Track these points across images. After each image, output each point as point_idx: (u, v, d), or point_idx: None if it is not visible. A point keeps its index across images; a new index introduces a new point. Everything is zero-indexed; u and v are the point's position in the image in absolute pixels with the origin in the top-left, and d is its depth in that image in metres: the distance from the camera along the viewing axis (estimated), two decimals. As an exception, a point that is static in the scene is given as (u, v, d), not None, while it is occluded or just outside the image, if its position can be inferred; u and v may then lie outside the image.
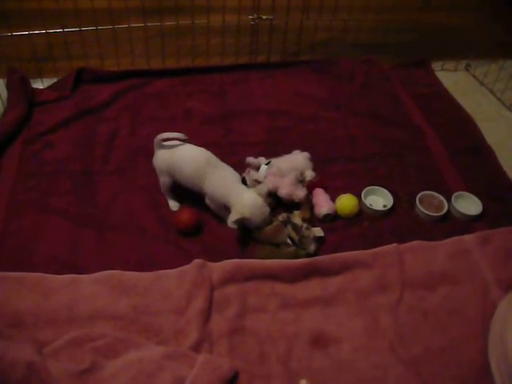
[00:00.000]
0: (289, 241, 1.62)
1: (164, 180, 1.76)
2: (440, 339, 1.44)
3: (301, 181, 1.81)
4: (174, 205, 1.79)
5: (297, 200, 1.75)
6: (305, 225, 1.64)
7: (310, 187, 1.81)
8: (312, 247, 1.62)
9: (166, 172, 1.73)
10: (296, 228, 1.64)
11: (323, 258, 1.59)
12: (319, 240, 1.66)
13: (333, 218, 1.76)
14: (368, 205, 1.78)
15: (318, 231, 1.66)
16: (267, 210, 1.62)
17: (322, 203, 1.76)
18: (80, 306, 1.46)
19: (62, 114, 2.12)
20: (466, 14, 2.94)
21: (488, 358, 1.38)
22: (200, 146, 1.98)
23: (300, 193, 1.75)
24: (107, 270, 1.55)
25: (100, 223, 1.72)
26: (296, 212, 1.70)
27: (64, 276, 1.53)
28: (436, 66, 2.61)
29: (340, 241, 1.70)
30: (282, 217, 1.66)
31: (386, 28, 2.61)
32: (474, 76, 2.55)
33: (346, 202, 1.77)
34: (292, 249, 1.61)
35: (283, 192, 1.74)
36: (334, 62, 2.53)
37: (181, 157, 1.69)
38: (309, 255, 1.61)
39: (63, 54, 2.30)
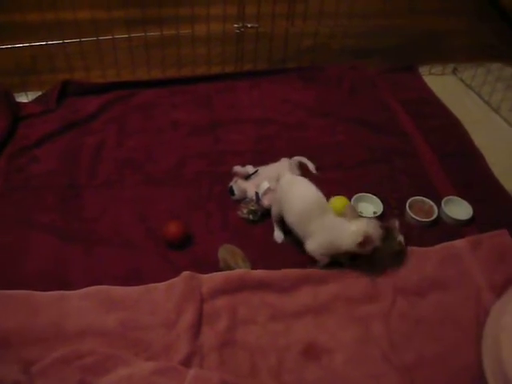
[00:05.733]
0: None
1: (274, 209, 1.68)
2: (433, 346, 1.42)
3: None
4: (278, 235, 1.71)
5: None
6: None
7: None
8: (400, 236, 1.64)
9: (278, 200, 1.64)
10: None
11: (315, 271, 1.59)
12: None
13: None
14: (358, 212, 1.76)
15: (396, 221, 1.68)
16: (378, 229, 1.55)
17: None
18: (68, 322, 1.43)
19: (47, 128, 2.10)
20: (452, 18, 2.95)
21: (482, 364, 1.37)
22: (189, 156, 2.00)
23: None
24: (95, 285, 1.53)
25: (87, 237, 1.70)
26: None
27: (51, 292, 1.50)
28: (423, 70, 2.60)
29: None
30: None
31: (372, 33, 2.61)
32: (461, 79, 2.55)
33: (338, 203, 1.75)
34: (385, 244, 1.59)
35: None
36: (320, 69, 2.52)
37: (294, 191, 1.60)
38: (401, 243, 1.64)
39: (47, 66, 2.28)
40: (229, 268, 1.58)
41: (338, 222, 1.55)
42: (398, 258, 1.62)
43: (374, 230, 1.52)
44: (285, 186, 1.62)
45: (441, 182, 1.93)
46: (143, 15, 2.18)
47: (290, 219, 1.60)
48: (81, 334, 1.41)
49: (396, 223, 1.66)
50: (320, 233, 1.54)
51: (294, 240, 1.64)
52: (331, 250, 1.55)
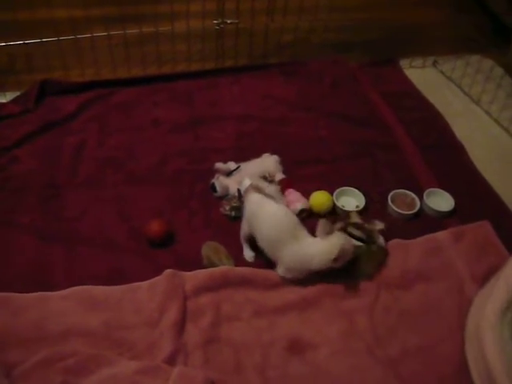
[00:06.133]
0: (357, 242, 1.59)
1: (244, 227, 1.62)
2: (417, 338, 1.43)
3: (271, 181, 1.80)
4: (249, 255, 1.63)
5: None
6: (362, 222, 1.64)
7: (281, 189, 1.80)
8: (381, 239, 1.62)
9: (248, 221, 1.58)
10: (359, 226, 1.60)
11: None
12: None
13: (308, 214, 1.75)
14: (340, 206, 1.77)
15: (379, 224, 1.65)
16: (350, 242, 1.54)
17: (296, 199, 1.76)
18: (50, 324, 1.42)
19: (26, 128, 2.07)
20: (432, 10, 2.97)
21: (465, 355, 1.38)
22: (170, 154, 1.99)
23: None
24: (77, 285, 1.52)
25: (69, 238, 1.68)
26: (352, 213, 1.68)
27: (32, 294, 1.49)
28: (404, 63, 2.60)
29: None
30: (339, 224, 1.62)
31: (352, 27, 2.61)
32: (441, 72, 2.56)
33: (320, 198, 1.77)
34: (364, 246, 1.59)
35: None
36: (302, 64, 2.51)
37: (264, 215, 1.53)
38: (382, 247, 1.62)
39: (25, 66, 2.25)
40: (212, 265, 1.57)
41: (306, 246, 1.50)
42: (379, 261, 1.61)
43: (347, 244, 1.50)
44: (254, 208, 1.56)
45: (422, 175, 1.94)
46: (121, 13, 2.16)
47: (260, 243, 1.56)
48: (63, 335, 1.40)
49: (377, 226, 1.64)
50: (289, 258, 1.51)
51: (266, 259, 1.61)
52: (302, 272, 1.53)
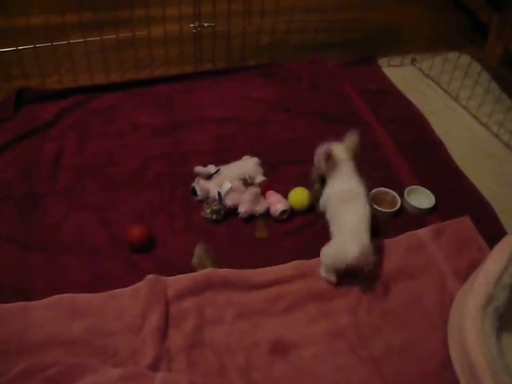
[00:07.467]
0: None
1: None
2: (400, 336, 1.44)
3: (251, 184, 1.81)
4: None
5: (256, 215, 1.76)
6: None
7: (262, 191, 1.80)
8: None
9: None
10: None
11: (281, 268, 1.59)
12: None
13: (289, 215, 1.76)
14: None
15: None
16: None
17: (277, 201, 1.76)
18: (31, 334, 1.40)
19: (5, 137, 2.05)
20: (408, 9, 2.99)
21: (449, 350, 1.38)
22: (150, 158, 1.98)
23: (260, 208, 1.76)
24: (59, 293, 1.50)
25: (49, 246, 1.66)
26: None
27: (13, 304, 1.47)
28: (382, 62, 2.61)
29: (297, 244, 1.69)
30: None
31: (330, 27, 2.62)
32: (420, 70, 2.57)
33: (299, 195, 1.78)
34: None
35: (241, 210, 1.74)
36: (280, 65, 2.52)
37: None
38: None
39: (2, 74, 2.23)
40: (201, 265, 1.57)
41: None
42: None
43: None
44: None
45: (403, 172, 1.95)
46: (98, 19, 2.15)
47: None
48: (45, 344, 1.39)
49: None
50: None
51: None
52: None
